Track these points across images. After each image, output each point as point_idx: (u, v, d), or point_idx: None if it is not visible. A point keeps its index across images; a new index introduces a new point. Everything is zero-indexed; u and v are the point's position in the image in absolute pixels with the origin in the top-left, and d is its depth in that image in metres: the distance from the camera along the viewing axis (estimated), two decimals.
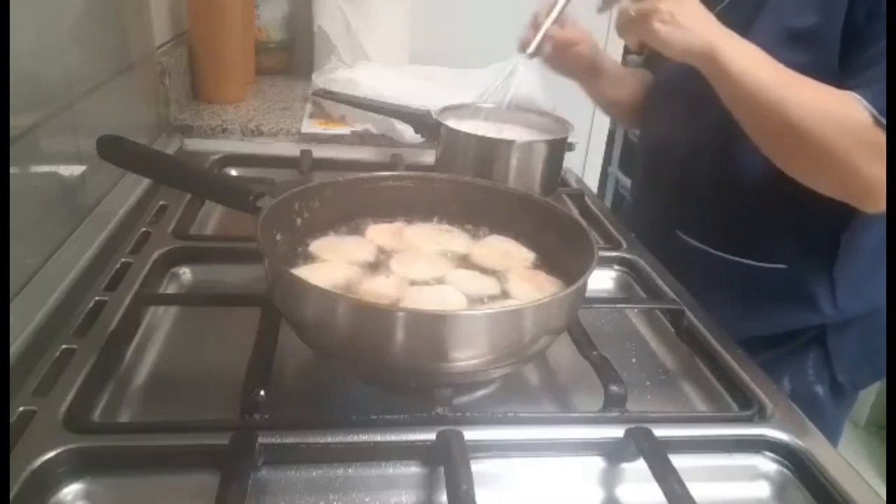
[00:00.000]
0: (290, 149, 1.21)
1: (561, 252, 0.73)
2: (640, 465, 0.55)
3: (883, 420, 2.26)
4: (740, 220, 0.94)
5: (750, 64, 0.77)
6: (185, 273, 0.80)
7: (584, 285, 0.62)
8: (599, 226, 1.00)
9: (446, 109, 1.07)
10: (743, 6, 0.89)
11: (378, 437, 0.55)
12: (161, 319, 0.72)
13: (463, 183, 0.82)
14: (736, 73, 0.77)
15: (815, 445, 0.59)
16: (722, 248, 0.96)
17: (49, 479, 0.50)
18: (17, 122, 0.66)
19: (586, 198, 1.09)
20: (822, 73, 0.78)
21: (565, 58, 1.07)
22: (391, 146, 1.21)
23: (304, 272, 0.66)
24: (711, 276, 0.94)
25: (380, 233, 0.78)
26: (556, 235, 0.73)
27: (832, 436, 1.01)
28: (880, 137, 0.72)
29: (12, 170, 0.65)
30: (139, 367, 0.65)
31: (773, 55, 0.79)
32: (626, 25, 0.81)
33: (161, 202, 0.93)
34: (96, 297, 0.70)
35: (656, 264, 0.88)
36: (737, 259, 0.95)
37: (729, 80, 0.78)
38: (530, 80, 1.31)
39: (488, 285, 0.70)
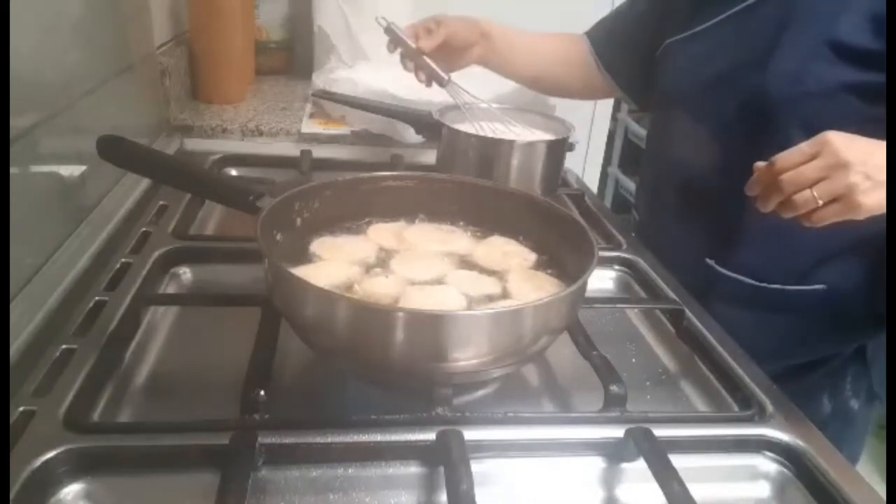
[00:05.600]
0: (290, 149, 1.21)
1: (561, 252, 0.73)
2: (640, 465, 0.55)
3: (883, 420, 2.26)
4: (778, 246, 0.87)
5: None
6: (185, 273, 0.80)
7: (584, 285, 0.62)
8: (599, 226, 1.00)
9: (447, 109, 1.07)
10: (770, 7, 0.83)
11: (378, 437, 0.55)
12: (161, 319, 0.72)
13: (463, 183, 0.82)
14: None
15: (815, 445, 0.59)
16: (759, 277, 0.90)
17: (49, 479, 0.50)
18: (17, 122, 0.66)
19: (586, 198, 1.09)
20: (872, 98, 0.74)
21: (450, 60, 1.04)
22: (391, 146, 1.21)
23: (304, 272, 0.66)
24: (747, 305, 0.89)
25: (380, 233, 0.78)
26: (557, 235, 0.73)
27: (859, 448, 0.97)
28: None
29: (12, 170, 0.65)
30: (139, 367, 0.65)
31: (813, 69, 0.74)
32: (819, 216, 0.69)
33: (161, 202, 0.93)
34: (96, 297, 0.70)
35: (656, 264, 0.88)
36: (774, 286, 0.90)
37: None
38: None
39: (488, 285, 0.70)
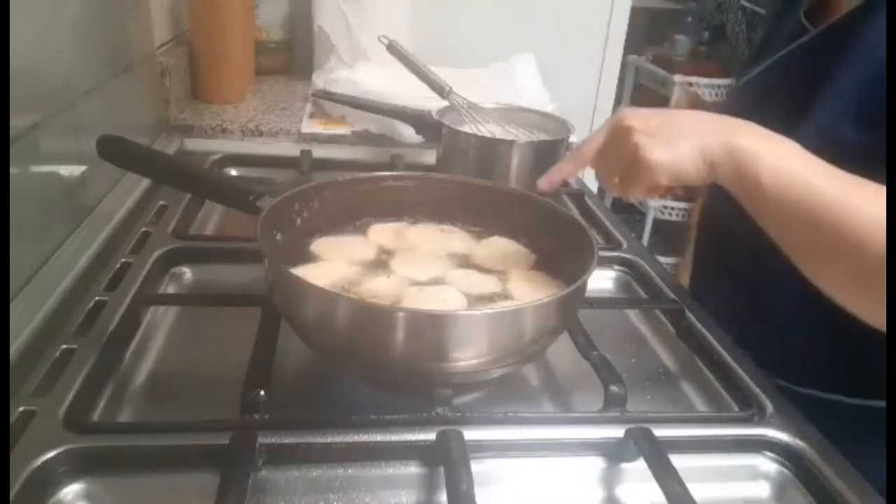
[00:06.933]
0: (290, 149, 1.21)
1: (561, 252, 0.73)
2: (640, 465, 0.55)
3: None
4: (850, 350, 0.72)
5: (795, 164, 0.59)
6: (185, 273, 0.80)
7: (584, 285, 0.62)
8: (599, 226, 1.00)
9: (447, 109, 1.07)
10: (816, 54, 0.73)
11: (378, 437, 0.55)
12: (161, 319, 0.72)
13: (463, 183, 0.82)
14: (776, 176, 0.58)
15: (815, 445, 0.59)
16: (829, 388, 0.74)
17: (49, 479, 0.50)
18: (17, 122, 0.66)
19: (586, 198, 1.08)
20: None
21: None
22: (391, 146, 1.21)
23: (303, 272, 0.66)
24: (815, 424, 0.65)
25: (381, 233, 0.78)
26: (557, 235, 0.73)
27: None
28: None
29: (12, 170, 0.65)
30: (139, 367, 0.65)
31: (839, 129, 0.67)
32: (625, 187, 0.66)
33: (161, 202, 0.93)
34: (96, 297, 0.70)
35: (656, 264, 0.88)
36: (849, 400, 0.74)
37: (766, 188, 0.59)
38: (531, 81, 1.31)
39: (488, 285, 0.70)
